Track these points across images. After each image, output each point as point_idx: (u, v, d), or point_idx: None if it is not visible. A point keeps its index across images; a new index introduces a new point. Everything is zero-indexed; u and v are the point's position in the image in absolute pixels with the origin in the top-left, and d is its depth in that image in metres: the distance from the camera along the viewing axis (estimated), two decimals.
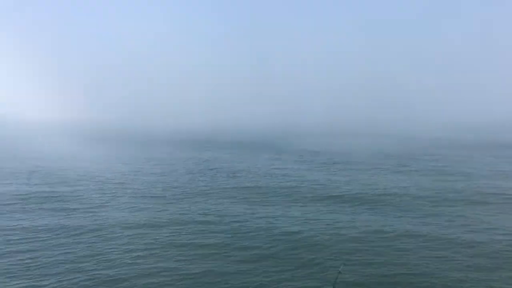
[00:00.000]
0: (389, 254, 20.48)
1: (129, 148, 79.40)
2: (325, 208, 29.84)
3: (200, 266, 19.13)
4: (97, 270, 18.66)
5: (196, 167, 51.55)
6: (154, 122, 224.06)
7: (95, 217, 27.16)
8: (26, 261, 19.61)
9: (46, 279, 17.73)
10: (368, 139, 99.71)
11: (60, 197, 32.98)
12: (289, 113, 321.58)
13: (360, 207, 29.92)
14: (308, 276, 18.12)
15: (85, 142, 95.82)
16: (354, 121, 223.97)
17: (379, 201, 31.74)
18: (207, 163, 54.89)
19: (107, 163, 54.40)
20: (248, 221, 26.25)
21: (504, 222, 25.79)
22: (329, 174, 45.53)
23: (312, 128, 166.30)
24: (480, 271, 18.53)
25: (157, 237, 23.06)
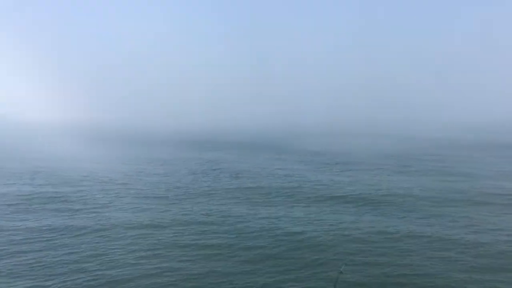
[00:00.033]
0: (392, 255, 20.49)
1: (130, 148, 79.43)
2: (328, 208, 29.83)
3: (204, 267, 19.15)
4: (100, 270, 18.67)
5: (198, 167, 51.55)
6: (154, 122, 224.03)
7: (99, 217, 27.18)
8: (30, 261, 19.64)
9: (50, 279, 17.74)
10: (368, 139, 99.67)
11: (63, 198, 33.00)
12: (289, 113, 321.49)
13: (363, 208, 29.91)
14: (311, 277, 18.12)
15: (85, 142, 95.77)
16: (354, 121, 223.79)
17: (382, 201, 31.73)
18: (209, 164, 54.89)
19: (108, 163, 54.42)
20: (251, 221, 26.26)
21: (509, 223, 25.77)
22: (332, 174, 45.51)
23: (312, 128, 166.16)
24: (485, 272, 18.53)
25: (161, 238, 23.07)
